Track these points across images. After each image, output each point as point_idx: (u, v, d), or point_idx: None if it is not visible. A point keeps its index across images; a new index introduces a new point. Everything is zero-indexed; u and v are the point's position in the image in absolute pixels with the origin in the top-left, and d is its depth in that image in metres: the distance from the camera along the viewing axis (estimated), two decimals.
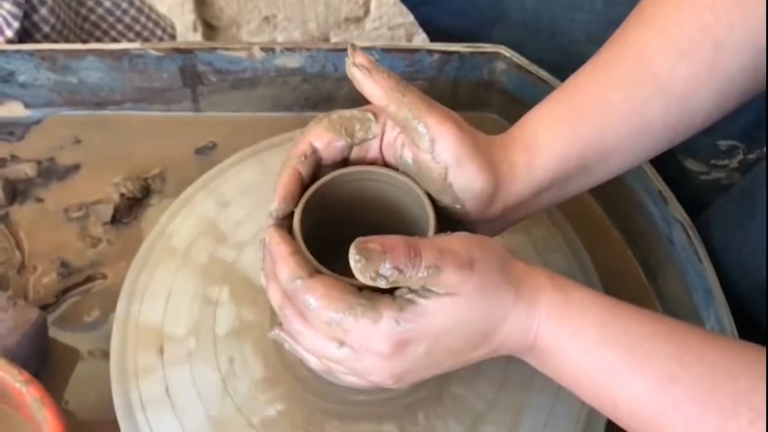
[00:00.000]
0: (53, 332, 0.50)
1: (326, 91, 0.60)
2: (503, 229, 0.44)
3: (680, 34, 0.41)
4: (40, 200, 0.57)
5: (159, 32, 0.74)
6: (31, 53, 0.57)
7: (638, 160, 0.44)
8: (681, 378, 0.35)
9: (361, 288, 0.37)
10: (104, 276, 0.53)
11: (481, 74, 0.60)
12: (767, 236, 0.47)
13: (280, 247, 0.38)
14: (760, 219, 0.48)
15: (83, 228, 0.55)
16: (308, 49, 0.58)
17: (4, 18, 0.59)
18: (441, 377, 0.40)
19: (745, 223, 0.50)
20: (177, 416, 0.44)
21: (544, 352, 0.38)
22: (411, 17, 0.70)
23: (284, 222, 0.40)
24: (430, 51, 0.58)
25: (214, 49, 0.58)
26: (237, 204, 0.53)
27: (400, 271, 0.35)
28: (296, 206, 0.40)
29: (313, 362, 0.40)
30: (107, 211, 0.56)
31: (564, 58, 0.52)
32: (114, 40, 0.70)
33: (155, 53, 0.57)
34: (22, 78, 0.58)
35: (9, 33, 0.59)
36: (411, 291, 0.36)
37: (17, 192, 0.57)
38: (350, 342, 0.37)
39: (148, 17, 0.73)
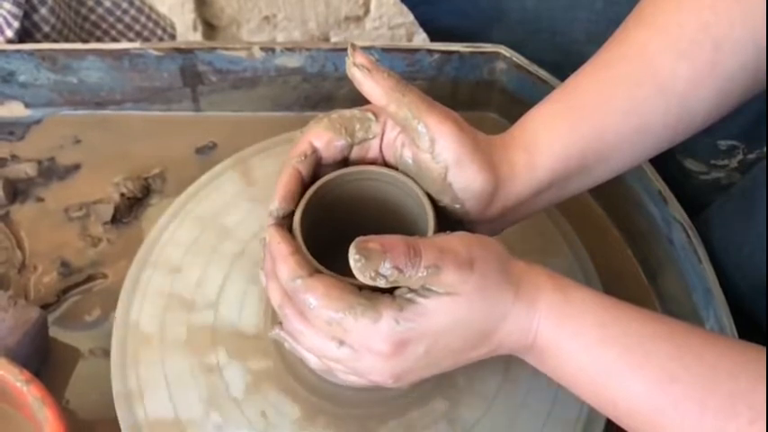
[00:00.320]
0: (54, 331, 0.50)
1: (326, 91, 0.60)
2: (503, 228, 0.44)
3: (680, 34, 0.41)
4: (41, 199, 0.57)
5: (159, 32, 0.74)
6: (32, 53, 0.57)
7: (638, 160, 0.44)
8: (681, 378, 0.35)
9: (361, 287, 0.37)
10: (105, 276, 0.53)
11: (481, 73, 0.60)
12: (767, 236, 0.47)
13: (280, 247, 0.38)
14: (760, 219, 0.48)
15: (83, 227, 0.55)
16: (308, 49, 0.58)
17: (5, 18, 0.59)
18: (440, 376, 0.40)
19: (745, 223, 0.50)
20: None
21: (544, 351, 0.38)
22: (411, 16, 0.70)
23: (284, 222, 0.40)
24: (430, 51, 0.58)
25: (214, 48, 0.58)
26: (238, 207, 0.53)
27: (400, 270, 0.35)
28: (296, 205, 0.40)
29: (313, 361, 0.40)
30: (107, 211, 0.56)
31: (564, 58, 0.52)
32: (114, 39, 0.70)
33: (155, 53, 0.57)
34: (22, 78, 0.58)
35: (9, 33, 0.59)
36: (411, 290, 0.36)
37: (18, 191, 0.57)
38: (350, 341, 0.37)
39: (148, 17, 0.73)
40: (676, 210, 0.52)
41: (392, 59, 0.58)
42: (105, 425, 0.46)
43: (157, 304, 0.48)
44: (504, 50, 0.58)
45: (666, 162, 0.54)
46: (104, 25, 0.70)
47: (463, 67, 0.59)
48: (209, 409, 0.44)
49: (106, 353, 0.48)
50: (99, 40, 0.70)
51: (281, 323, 0.40)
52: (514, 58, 0.58)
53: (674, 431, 0.35)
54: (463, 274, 0.36)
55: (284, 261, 0.38)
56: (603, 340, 0.36)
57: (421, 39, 1.17)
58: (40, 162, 0.58)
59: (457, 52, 0.59)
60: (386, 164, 0.42)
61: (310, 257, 0.38)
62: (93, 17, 0.69)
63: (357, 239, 0.35)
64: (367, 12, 1.22)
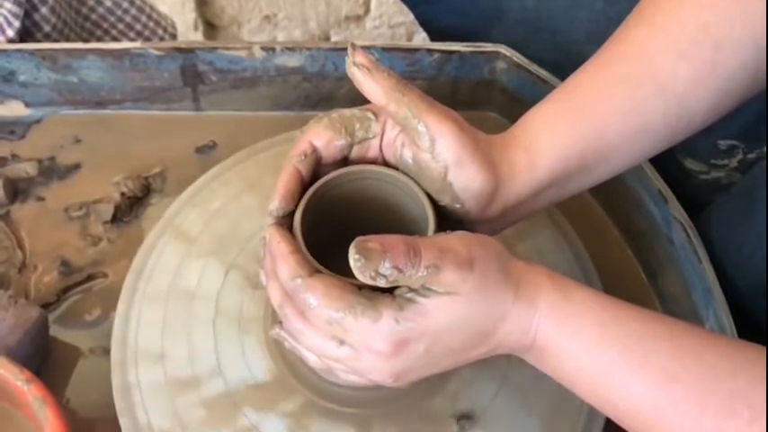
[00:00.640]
0: (54, 331, 0.50)
1: (326, 90, 0.60)
2: (503, 228, 0.44)
3: (680, 33, 0.41)
4: (41, 199, 0.57)
5: (160, 32, 0.74)
6: (32, 52, 0.57)
7: (638, 159, 0.44)
8: (680, 377, 0.35)
9: (361, 287, 0.37)
10: (105, 275, 0.53)
11: (481, 73, 0.60)
12: (767, 235, 0.47)
13: (280, 246, 0.38)
14: (759, 218, 0.48)
15: (83, 227, 0.55)
16: (308, 49, 0.58)
17: (5, 17, 0.59)
18: (440, 376, 0.40)
19: (745, 223, 0.50)
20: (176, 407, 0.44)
21: (544, 351, 0.38)
22: (411, 16, 0.70)
23: (284, 221, 0.40)
24: (430, 51, 0.58)
25: (215, 48, 0.58)
26: (242, 200, 0.53)
27: (400, 270, 0.35)
28: (296, 205, 0.40)
29: (313, 360, 0.40)
30: (108, 210, 0.56)
31: (564, 58, 0.52)
32: (115, 39, 0.70)
33: (155, 52, 0.57)
34: (22, 78, 0.58)
35: (10, 33, 0.59)
36: (411, 290, 0.36)
37: (18, 191, 0.57)
38: (350, 341, 0.37)
39: (149, 16, 0.73)
40: (676, 209, 0.52)
41: (392, 59, 0.58)
42: (105, 423, 0.46)
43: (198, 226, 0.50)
44: (504, 50, 0.58)
45: (666, 162, 0.54)
46: (105, 25, 0.70)
47: (463, 67, 0.59)
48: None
49: (106, 351, 0.48)
50: (100, 39, 0.70)
51: (281, 323, 0.40)
52: (515, 58, 0.58)
53: (674, 431, 0.35)
54: (463, 274, 0.36)
55: (284, 260, 0.38)
56: (603, 340, 0.36)
57: (421, 38, 1.17)
58: (40, 161, 0.58)
59: (457, 52, 0.59)
60: (386, 163, 0.42)
61: (310, 257, 0.38)
62: (93, 17, 0.69)
63: (357, 239, 0.35)
64: (367, 11, 1.22)
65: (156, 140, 0.59)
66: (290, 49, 0.58)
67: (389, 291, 0.37)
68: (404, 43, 0.97)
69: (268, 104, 0.61)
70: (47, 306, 0.51)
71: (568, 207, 0.53)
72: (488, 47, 0.59)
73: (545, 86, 0.56)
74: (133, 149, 0.59)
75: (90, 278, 0.53)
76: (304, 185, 0.41)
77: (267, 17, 1.21)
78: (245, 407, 0.45)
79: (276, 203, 0.40)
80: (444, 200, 0.40)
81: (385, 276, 0.35)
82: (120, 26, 0.71)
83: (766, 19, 0.39)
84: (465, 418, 0.44)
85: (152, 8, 0.74)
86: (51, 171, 0.58)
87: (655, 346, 0.36)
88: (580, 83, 0.43)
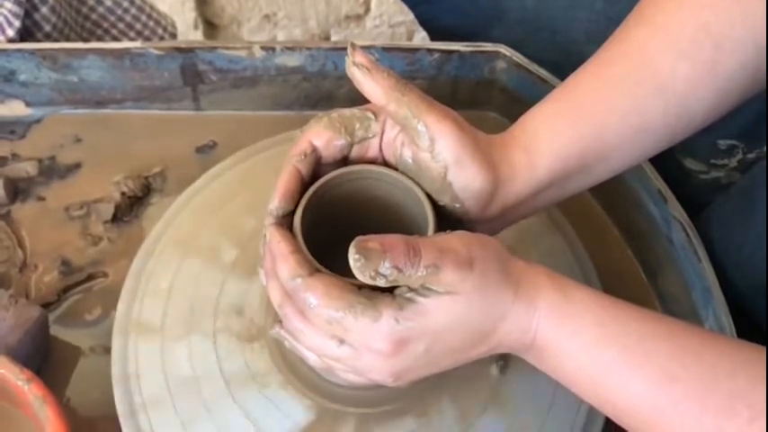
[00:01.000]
0: (54, 330, 0.50)
1: (326, 90, 0.60)
2: (502, 227, 0.44)
3: (680, 33, 0.41)
4: (42, 198, 0.57)
5: (160, 31, 0.74)
6: (32, 52, 0.57)
7: (638, 159, 0.44)
8: (680, 377, 0.35)
9: (361, 287, 0.37)
10: (105, 275, 0.53)
11: (481, 73, 0.60)
12: (767, 235, 0.47)
13: (280, 246, 0.39)
14: (759, 218, 0.48)
15: (84, 226, 0.55)
16: (308, 48, 0.58)
17: (6, 17, 0.59)
18: (439, 375, 0.40)
19: (745, 223, 0.50)
20: (177, 411, 0.44)
21: (543, 350, 0.38)
22: (411, 15, 0.70)
23: (284, 221, 0.40)
24: (430, 50, 0.58)
25: (215, 48, 0.58)
26: (241, 199, 0.53)
27: (399, 270, 0.35)
28: (296, 205, 0.40)
29: (313, 359, 0.40)
30: (108, 210, 0.56)
31: (564, 57, 0.52)
32: (115, 38, 0.70)
33: (155, 52, 0.57)
34: (23, 77, 0.58)
35: (10, 32, 0.59)
36: (411, 289, 0.36)
37: (18, 190, 0.57)
38: (350, 340, 0.37)
39: (149, 16, 0.73)
40: (676, 209, 0.52)
41: (392, 59, 0.58)
42: (106, 422, 0.46)
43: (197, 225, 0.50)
44: (504, 50, 0.58)
45: (666, 161, 0.54)
46: (105, 24, 0.70)
47: (463, 67, 0.59)
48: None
49: (107, 349, 0.48)
50: (100, 39, 0.70)
51: (281, 322, 0.40)
52: (514, 58, 0.58)
53: (674, 430, 0.35)
54: (462, 274, 0.36)
55: (284, 260, 0.38)
56: (603, 339, 0.36)
57: (421, 37, 1.17)
58: (40, 161, 0.58)
59: (457, 51, 0.59)
60: (385, 163, 0.42)
61: (310, 257, 0.38)
62: (93, 16, 0.70)
63: (357, 239, 0.35)
64: (367, 10, 1.22)
65: (157, 140, 0.59)
66: (290, 48, 0.58)
67: (389, 290, 0.37)
68: (404, 43, 0.97)
69: (268, 104, 0.61)
70: (47, 305, 0.51)
71: (568, 207, 0.53)
72: (488, 46, 0.59)
73: (545, 86, 0.56)
74: (133, 149, 0.59)
75: (90, 278, 0.53)
76: (304, 185, 0.41)
77: (267, 16, 1.21)
78: (245, 406, 0.45)
79: (276, 203, 0.40)
80: (444, 199, 0.40)
81: (385, 276, 0.35)
82: (121, 25, 0.71)
83: (766, 19, 0.39)
84: (464, 416, 0.45)
85: (152, 7, 0.74)
86: (52, 170, 0.58)
87: (654, 346, 0.36)
88: (580, 82, 0.43)
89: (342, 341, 0.37)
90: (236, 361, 0.46)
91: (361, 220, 0.42)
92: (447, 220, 0.41)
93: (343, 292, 0.36)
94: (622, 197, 0.56)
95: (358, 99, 0.41)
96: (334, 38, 1.23)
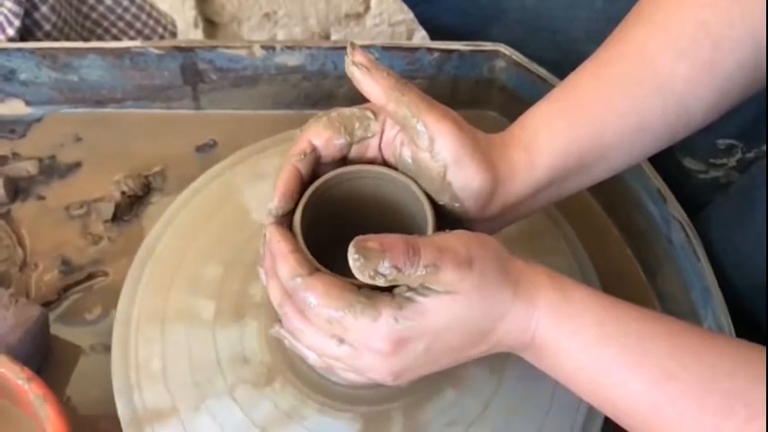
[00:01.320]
0: (55, 329, 0.50)
1: (326, 89, 0.60)
2: (502, 227, 0.44)
3: (680, 32, 0.41)
4: (42, 197, 0.57)
5: (160, 30, 0.74)
6: (33, 51, 0.57)
7: (638, 158, 0.44)
8: (679, 376, 0.35)
9: (361, 286, 0.37)
10: (105, 274, 0.54)
11: (481, 72, 0.60)
12: (767, 235, 0.47)
13: (280, 245, 0.39)
14: (758, 218, 0.48)
15: (84, 225, 0.56)
16: (308, 48, 0.58)
17: (6, 16, 0.59)
18: (438, 374, 0.40)
19: (744, 222, 0.50)
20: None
21: (542, 350, 0.38)
22: (411, 14, 0.70)
23: (284, 220, 0.40)
24: (430, 50, 0.58)
25: (215, 47, 0.58)
26: (239, 200, 0.53)
27: (399, 269, 0.35)
28: (295, 204, 0.40)
29: (312, 358, 0.40)
30: (108, 209, 0.56)
31: (563, 57, 0.52)
32: (115, 37, 0.70)
33: (155, 51, 0.57)
34: (23, 76, 0.58)
35: (10, 31, 0.59)
36: (410, 289, 0.36)
37: (19, 189, 0.57)
38: (349, 340, 0.37)
39: (149, 15, 0.73)
40: (675, 208, 0.52)
41: (392, 58, 0.58)
42: (106, 421, 0.46)
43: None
44: (503, 49, 0.58)
45: (665, 161, 0.54)
46: (105, 23, 0.70)
47: (463, 66, 0.59)
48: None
49: (107, 347, 0.48)
50: (100, 38, 0.70)
51: (281, 321, 0.40)
52: (514, 57, 0.58)
53: (672, 429, 0.35)
54: (462, 273, 0.36)
55: (284, 259, 0.38)
56: (602, 339, 0.36)
57: (421, 36, 1.17)
58: (40, 160, 0.58)
59: (457, 51, 0.59)
60: (385, 162, 0.42)
61: (310, 256, 0.38)
62: (94, 15, 0.70)
63: (356, 238, 0.35)
64: (367, 9, 1.22)
65: (157, 139, 0.60)
66: (290, 47, 0.58)
67: (389, 290, 0.37)
68: (403, 42, 0.97)
69: (268, 103, 0.61)
70: (47, 305, 0.51)
71: (567, 206, 0.53)
72: (488, 46, 0.59)
73: (544, 85, 0.56)
74: (133, 148, 0.59)
75: (90, 277, 0.53)
76: (303, 184, 0.41)
77: (267, 15, 1.21)
78: (244, 404, 0.45)
79: (276, 202, 0.40)
80: (443, 199, 0.40)
81: (384, 276, 0.35)
82: (121, 24, 0.71)
83: (766, 19, 0.39)
84: (463, 415, 0.44)
85: (152, 6, 0.74)
86: (52, 170, 0.58)
87: (654, 346, 0.36)
88: (579, 82, 0.43)
89: (341, 340, 0.37)
90: (263, 406, 0.45)
91: (361, 220, 0.42)
92: (446, 219, 0.41)
93: (342, 292, 0.36)
94: (622, 197, 0.56)
95: (358, 98, 0.41)
96: (334, 36, 1.23)
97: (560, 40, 0.60)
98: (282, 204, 0.40)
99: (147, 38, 0.72)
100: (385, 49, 0.58)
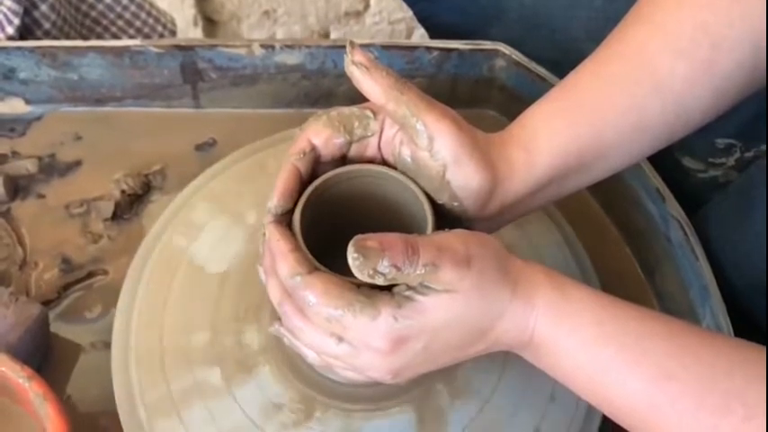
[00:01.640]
0: (55, 328, 0.50)
1: (326, 88, 0.60)
2: (501, 226, 0.44)
3: (678, 32, 0.41)
4: (42, 196, 0.57)
5: (160, 28, 0.74)
6: (32, 50, 0.57)
7: (637, 158, 0.44)
8: (677, 375, 0.35)
9: (360, 285, 0.37)
10: (105, 272, 0.54)
11: (480, 71, 0.60)
12: (767, 234, 0.47)
13: (279, 244, 0.39)
14: (757, 217, 0.48)
15: (84, 224, 0.56)
16: (307, 46, 0.58)
17: (5, 15, 0.59)
18: (437, 372, 0.40)
19: (742, 221, 0.50)
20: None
21: (541, 348, 0.38)
22: (411, 12, 0.70)
23: (283, 219, 0.40)
24: (429, 48, 0.58)
25: (214, 46, 0.58)
26: (238, 201, 0.53)
27: (398, 268, 0.35)
28: (294, 203, 0.41)
29: (312, 357, 0.40)
30: (108, 208, 0.56)
31: (563, 56, 0.53)
32: (115, 36, 0.70)
33: (155, 50, 0.57)
34: (22, 75, 0.58)
35: (10, 30, 0.59)
36: (409, 288, 0.37)
37: (18, 188, 0.57)
38: (349, 338, 0.37)
39: (149, 13, 0.73)
40: (674, 207, 0.52)
41: (391, 57, 0.58)
42: (106, 419, 0.46)
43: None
44: (503, 48, 0.58)
45: (664, 160, 0.54)
46: (105, 21, 0.70)
47: (462, 65, 0.59)
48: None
49: (107, 344, 0.48)
50: (99, 36, 0.70)
51: (280, 319, 0.40)
52: (513, 56, 0.58)
53: (671, 428, 0.35)
54: (461, 272, 0.36)
55: (284, 258, 0.38)
56: (600, 338, 0.37)
57: (420, 34, 1.17)
58: (40, 158, 0.58)
59: (456, 50, 0.59)
60: (384, 161, 0.42)
61: (309, 255, 0.38)
62: (93, 13, 0.70)
63: (355, 238, 0.35)
64: (367, 7, 1.22)
65: (156, 138, 0.60)
66: (290, 46, 0.58)
67: (388, 289, 0.37)
68: (403, 41, 0.97)
69: (268, 102, 0.61)
70: (47, 303, 0.52)
71: (566, 205, 0.53)
72: (487, 45, 0.59)
73: (544, 84, 0.56)
74: (133, 147, 0.59)
75: (90, 275, 0.53)
76: (303, 183, 0.41)
77: (266, 12, 1.21)
78: (244, 404, 0.45)
79: (275, 201, 0.40)
80: (442, 198, 0.41)
81: (383, 274, 0.35)
82: (120, 23, 0.71)
83: (766, 19, 0.39)
84: (462, 414, 0.45)
85: (151, 5, 0.74)
86: (52, 168, 0.58)
87: (652, 345, 0.36)
88: (579, 81, 0.43)
89: (341, 339, 0.37)
90: (233, 354, 0.46)
91: (360, 219, 0.42)
92: (445, 218, 0.41)
93: (342, 291, 0.36)
94: (621, 196, 0.56)
95: (357, 97, 0.41)
96: (333, 34, 1.23)
97: (560, 40, 0.60)
98: (282, 203, 0.40)
99: (147, 36, 0.72)
100: (384, 47, 0.58)
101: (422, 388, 0.45)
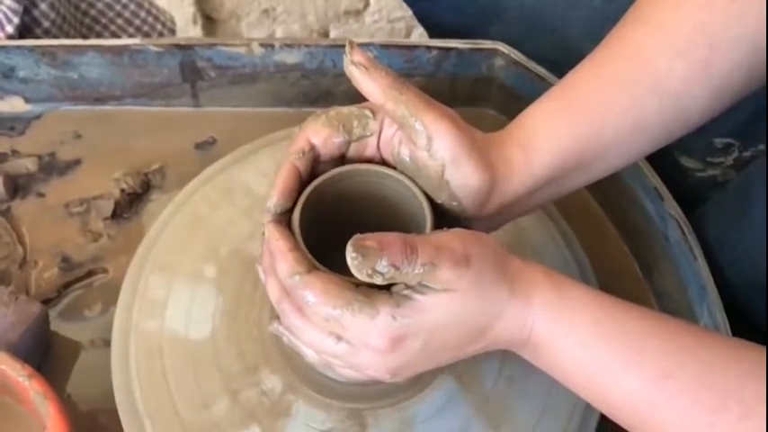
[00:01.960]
0: (55, 326, 0.50)
1: (325, 87, 0.61)
2: (499, 225, 0.44)
3: (676, 32, 0.41)
4: (41, 195, 0.57)
5: (159, 27, 0.74)
6: (32, 48, 0.57)
7: (635, 157, 0.44)
8: (674, 374, 0.35)
9: (359, 284, 0.37)
10: (105, 271, 0.54)
11: (479, 70, 0.60)
12: (767, 234, 0.47)
13: (278, 243, 0.39)
14: (755, 216, 0.48)
15: (84, 223, 0.56)
16: (306, 45, 0.58)
17: (5, 14, 0.59)
18: (436, 371, 0.40)
19: (740, 221, 0.50)
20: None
21: (539, 347, 0.38)
22: (411, 11, 0.70)
23: (282, 218, 0.40)
24: (428, 48, 0.59)
25: (214, 44, 0.58)
26: (238, 199, 0.53)
27: (396, 268, 0.35)
28: (293, 202, 0.41)
29: (311, 355, 0.40)
30: (108, 207, 0.56)
31: (562, 55, 0.53)
32: (114, 34, 0.70)
33: (154, 49, 0.57)
34: (22, 74, 0.58)
35: (9, 29, 0.59)
36: (408, 287, 0.37)
37: (18, 186, 0.57)
38: (347, 337, 0.37)
39: (148, 11, 0.73)
40: (672, 207, 0.52)
41: (390, 56, 0.58)
42: (106, 417, 0.46)
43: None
44: (502, 47, 0.59)
45: (663, 159, 0.54)
46: (104, 20, 0.70)
47: (461, 64, 0.60)
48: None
49: (107, 342, 0.48)
50: (99, 35, 0.70)
51: (279, 318, 0.41)
52: (513, 55, 0.58)
53: (668, 427, 0.35)
54: (459, 271, 0.36)
55: (283, 257, 0.38)
56: (598, 337, 0.37)
57: (420, 32, 1.17)
58: (40, 157, 0.59)
59: (455, 49, 0.59)
60: (383, 161, 0.42)
61: (308, 255, 0.38)
62: (92, 12, 0.70)
63: (354, 237, 0.35)
64: (366, 5, 1.22)
65: (156, 137, 0.60)
66: (289, 45, 0.58)
67: (387, 288, 0.37)
68: (402, 40, 0.97)
69: (267, 101, 0.61)
70: (47, 302, 0.52)
71: (565, 204, 0.53)
72: (487, 44, 0.59)
73: (543, 84, 0.56)
74: (133, 145, 0.59)
75: (90, 274, 0.53)
76: (302, 183, 0.41)
77: (266, 11, 1.21)
78: (244, 406, 0.45)
79: (274, 200, 0.40)
80: (441, 198, 0.41)
81: (382, 274, 0.35)
82: (119, 21, 0.71)
83: (766, 19, 0.39)
84: (461, 412, 0.45)
85: (151, 3, 0.74)
86: (51, 167, 0.58)
87: (650, 344, 0.36)
88: (578, 81, 0.43)
89: (339, 338, 0.37)
90: (232, 351, 0.46)
91: (359, 218, 0.42)
92: (444, 217, 0.41)
93: (340, 290, 0.37)
94: (619, 195, 0.56)
95: (356, 97, 0.41)
96: (332, 33, 1.23)
97: (559, 39, 0.61)
98: (281, 202, 0.40)
99: (146, 35, 0.72)
100: (383, 47, 0.58)
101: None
